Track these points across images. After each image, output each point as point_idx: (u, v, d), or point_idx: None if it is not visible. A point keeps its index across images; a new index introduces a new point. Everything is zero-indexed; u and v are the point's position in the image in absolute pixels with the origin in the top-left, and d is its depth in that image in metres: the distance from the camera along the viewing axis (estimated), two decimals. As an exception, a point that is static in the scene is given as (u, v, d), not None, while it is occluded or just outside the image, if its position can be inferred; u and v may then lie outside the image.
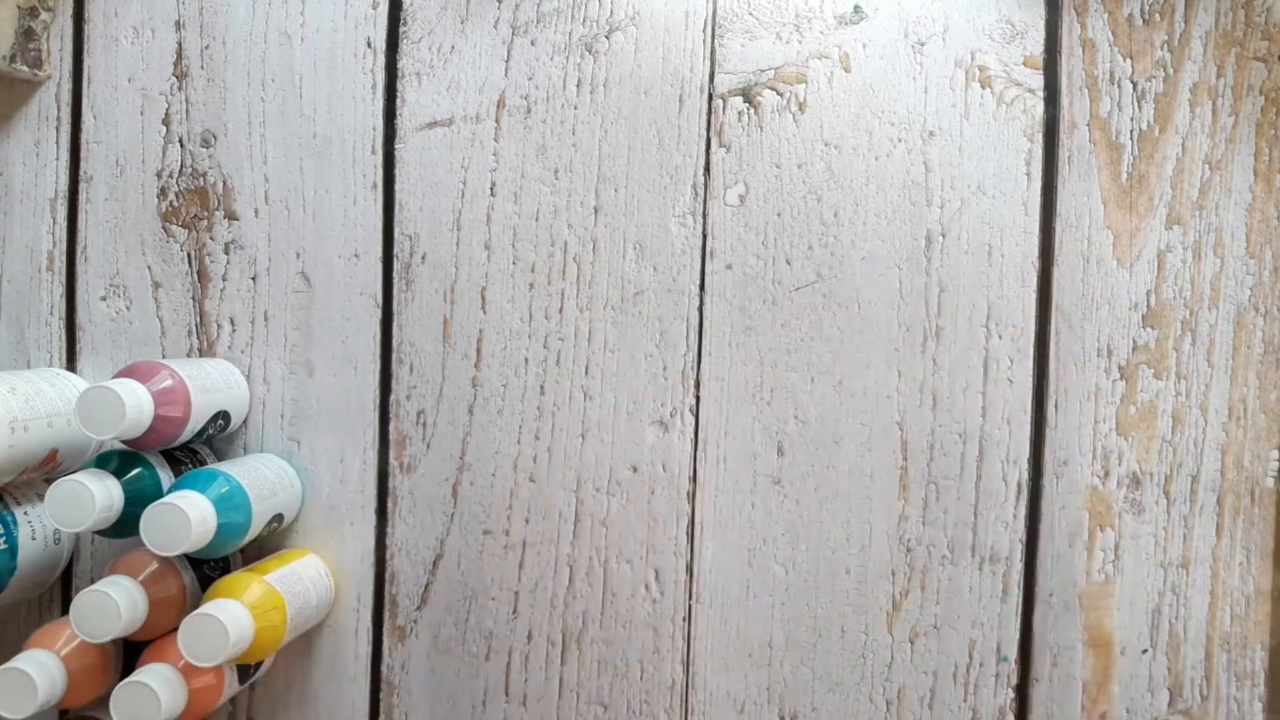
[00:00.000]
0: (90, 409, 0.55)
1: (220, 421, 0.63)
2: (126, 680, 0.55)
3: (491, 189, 0.66)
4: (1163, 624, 0.62)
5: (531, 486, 0.66)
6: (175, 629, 0.56)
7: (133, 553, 0.60)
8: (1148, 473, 0.62)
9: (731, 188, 0.64)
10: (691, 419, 0.64)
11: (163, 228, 0.67)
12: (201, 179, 0.67)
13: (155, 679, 0.55)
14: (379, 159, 0.66)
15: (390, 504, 0.67)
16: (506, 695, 0.66)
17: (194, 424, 0.61)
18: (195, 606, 0.57)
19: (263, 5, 0.66)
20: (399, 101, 0.66)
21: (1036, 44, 0.62)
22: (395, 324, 0.66)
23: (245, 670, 0.62)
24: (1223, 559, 0.62)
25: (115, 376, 0.59)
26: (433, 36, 0.66)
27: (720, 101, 0.64)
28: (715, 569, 0.64)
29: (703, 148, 0.64)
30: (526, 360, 0.65)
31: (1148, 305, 0.62)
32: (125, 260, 0.68)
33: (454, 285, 0.66)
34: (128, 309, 0.68)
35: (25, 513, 0.61)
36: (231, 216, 0.67)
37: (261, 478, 0.62)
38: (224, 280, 0.67)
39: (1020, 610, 0.63)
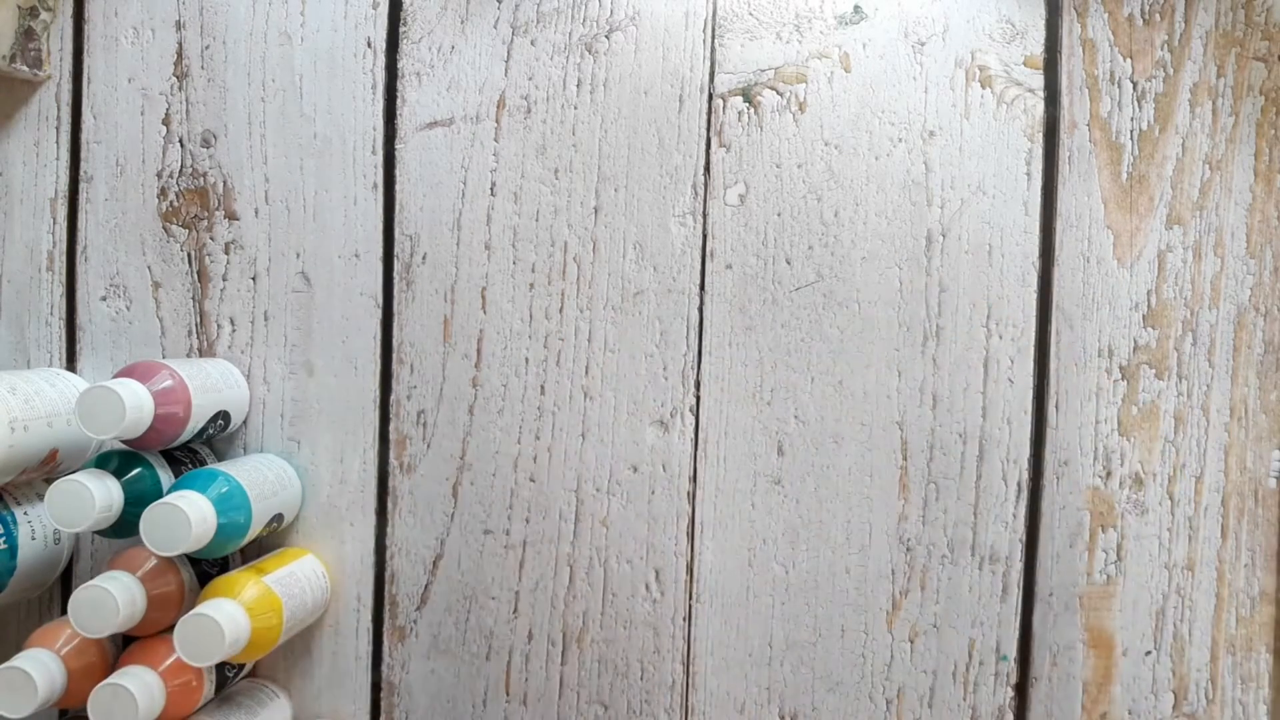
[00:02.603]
0: (90, 409, 0.55)
1: (220, 421, 0.63)
2: (104, 683, 0.55)
3: (491, 189, 0.66)
4: (1166, 626, 0.62)
5: (532, 486, 0.66)
6: (173, 626, 0.56)
7: (132, 548, 0.60)
8: (1150, 473, 0.62)
9: (731, 187, 0.64)
10: (691, 419, 0.64)
11: (163, 228, 0.68)
12: (201, 179, 0.67)
13: (132, 681, 0.55)
14: (379, 159, 0.66)
15: (390, 504, 0.67)
16: (507, 695, 0.66)
17: (194, 424, 0.61)
18: (194, 603, 0.57)
19: (263, 5, 0.67)
20: (399, 101, 0.66)
21: (1037, 44, 0.62)
22: (395, 324, 0.66)
23: (224, 672, 0.61)
24: (1228, 561, 0.62)
25: (115, 376, 0.59)
26: (433, 36, 0.66)
27: (720, 101, 0.64)
28: (715, 569, 0.64)
29: (703, 148, 0.64)
30: (526, 360, 0.65)
31: (1148, 305, 0.62)
32: (125, 260, 0.68)
33: (454, 285, 0.66)
34: (128, 309, 0.68)
35: (25, 513, 0.61)
36: (231, 216, 0.67)
37: (261, 478, 0.62)
38: (224, 280, 0.67)
39: (1020, 610, 0.62)
